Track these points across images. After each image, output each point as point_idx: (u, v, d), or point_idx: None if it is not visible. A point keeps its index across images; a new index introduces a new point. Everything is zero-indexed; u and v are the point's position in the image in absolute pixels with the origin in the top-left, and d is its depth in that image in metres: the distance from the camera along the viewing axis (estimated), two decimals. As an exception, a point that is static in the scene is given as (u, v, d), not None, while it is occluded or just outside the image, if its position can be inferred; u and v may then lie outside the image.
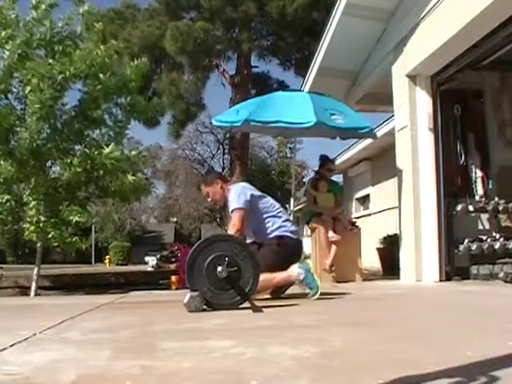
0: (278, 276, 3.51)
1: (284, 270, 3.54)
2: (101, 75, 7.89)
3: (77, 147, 8.16)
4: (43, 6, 7.95)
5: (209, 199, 4.08)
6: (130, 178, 7.78)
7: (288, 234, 3.78)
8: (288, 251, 3.71)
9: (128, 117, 8.62)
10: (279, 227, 3.77)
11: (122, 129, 8.49)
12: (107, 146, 7.69)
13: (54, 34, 7.97)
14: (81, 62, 7.66)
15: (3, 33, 7.66)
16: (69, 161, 7.62)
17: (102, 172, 7.68)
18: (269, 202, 3.88)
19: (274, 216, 3.81)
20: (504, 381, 1.25)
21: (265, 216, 3.79)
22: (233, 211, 3.69)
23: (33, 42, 7.82)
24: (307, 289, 3.51)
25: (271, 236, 3.75)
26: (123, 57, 8.31)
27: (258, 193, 3.89)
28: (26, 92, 7.51)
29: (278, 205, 3.96)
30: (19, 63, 7.57)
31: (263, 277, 3.22)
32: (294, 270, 3.51)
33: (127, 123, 8.60)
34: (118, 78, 8.23)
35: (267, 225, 3.77)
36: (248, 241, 3.83)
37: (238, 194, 3.75)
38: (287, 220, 3.92)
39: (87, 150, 7.74)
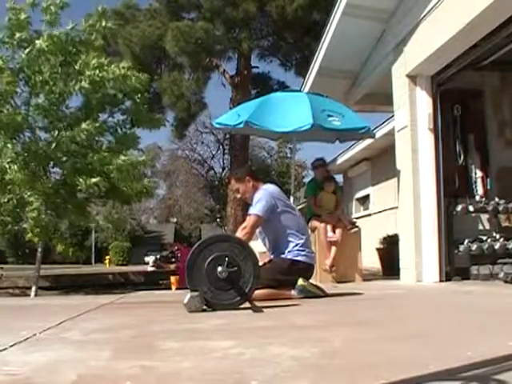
0: (279, 294, 3.55)
1: (283, 286, 3.58)
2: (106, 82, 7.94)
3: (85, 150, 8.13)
4: (53, 8, 7.98)
5: (238, 195, 4.03)
6: (141, 182, 7.84)
7: (302, 259, 3.67)
8: (295, 275, 3.60)
9: (133, 125, 8.62)
10: (297, 249, 3.67)
11: (132, 136, 8.47)
12: (120, 152, 7.71)
13: (72, 39, 8.03)
14: (89, 68, 7.71)
15: (17, 35, 7.72)
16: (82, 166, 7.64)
17: (114, 176, 7.67)
18: (293, 217, 3.76)
19: (294, 234, 3.70)
20: (505, 381, 1.25)
21: (286, 231, 3.68)
22: (250, 214, 3.64)
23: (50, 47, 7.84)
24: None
25: (286, 256, 3.66)
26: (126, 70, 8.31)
27: (284, 204, 3.74)
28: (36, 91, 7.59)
29: (302, 222, 3.89)
30: (34, 64, 7.62)
31: (266, 293, 3.37)
32: (294, 293, 3.56)
33: (135, 135, 8.59)
34: (122, 85, 8.22)
35: (287, 243, 3.68)
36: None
37: (264, 199, 3.66)
38: (307, 241, 3.80)
39: (98, 156, 7.73)
